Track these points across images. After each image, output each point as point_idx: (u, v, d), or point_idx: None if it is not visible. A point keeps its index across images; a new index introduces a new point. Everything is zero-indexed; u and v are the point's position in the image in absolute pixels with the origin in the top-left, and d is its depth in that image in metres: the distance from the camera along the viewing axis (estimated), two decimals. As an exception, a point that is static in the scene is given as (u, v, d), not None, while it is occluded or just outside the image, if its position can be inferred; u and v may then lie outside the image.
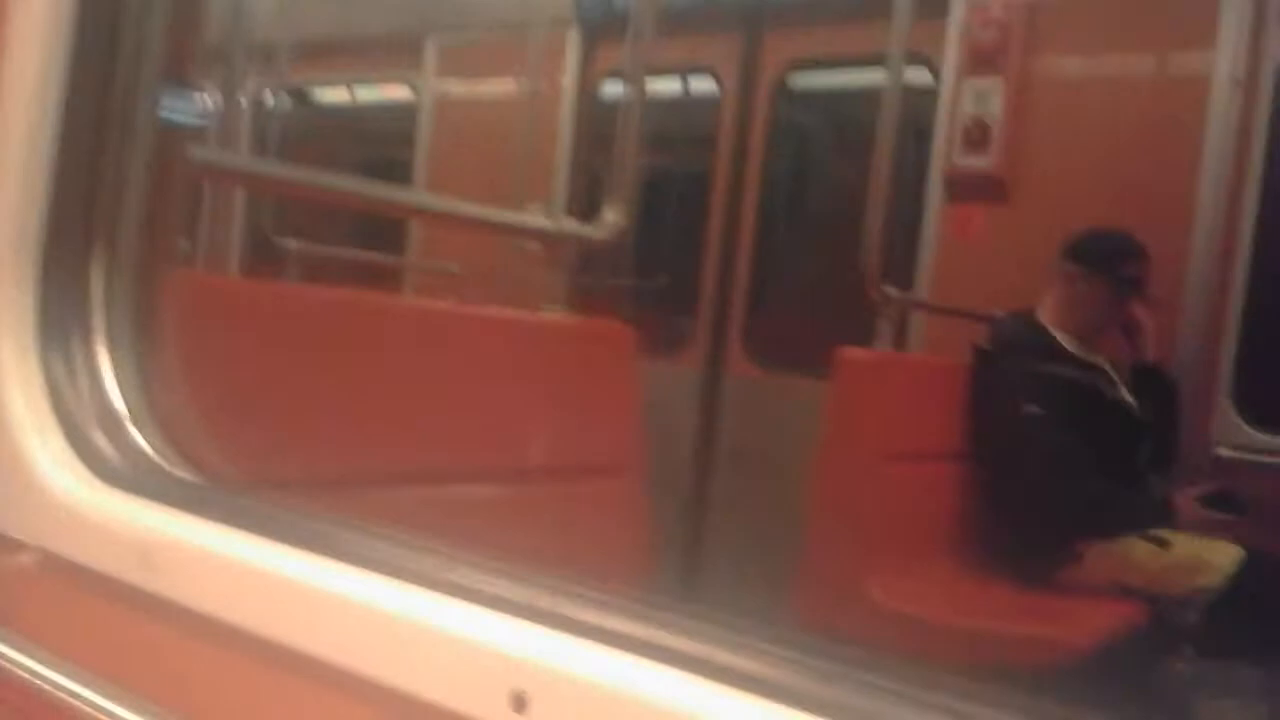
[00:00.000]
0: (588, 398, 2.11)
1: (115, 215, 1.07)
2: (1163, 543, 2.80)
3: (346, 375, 1.52)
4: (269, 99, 4.28)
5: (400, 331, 1.72)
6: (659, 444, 2.60)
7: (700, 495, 3.50)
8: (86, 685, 0.82)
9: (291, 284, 2.69)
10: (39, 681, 0.84)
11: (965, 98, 3.51)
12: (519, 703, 0.69)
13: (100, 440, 0.93)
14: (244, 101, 3.50)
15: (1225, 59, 3.19)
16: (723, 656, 0.66)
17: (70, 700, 0.83)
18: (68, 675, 0.84)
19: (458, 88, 4.79)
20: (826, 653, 0.66)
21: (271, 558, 0.81)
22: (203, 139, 2.56)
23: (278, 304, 1.57)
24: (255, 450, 1.19)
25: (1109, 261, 3.01)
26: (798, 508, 2.79)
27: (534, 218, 2.15)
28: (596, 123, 4.34)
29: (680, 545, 3.69)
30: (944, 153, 3.58)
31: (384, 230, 4.72)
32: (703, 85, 4.36)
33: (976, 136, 3.46)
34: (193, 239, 3.38)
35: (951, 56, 3.55)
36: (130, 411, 0.96)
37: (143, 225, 1.10)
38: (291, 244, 3.08)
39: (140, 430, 0.96)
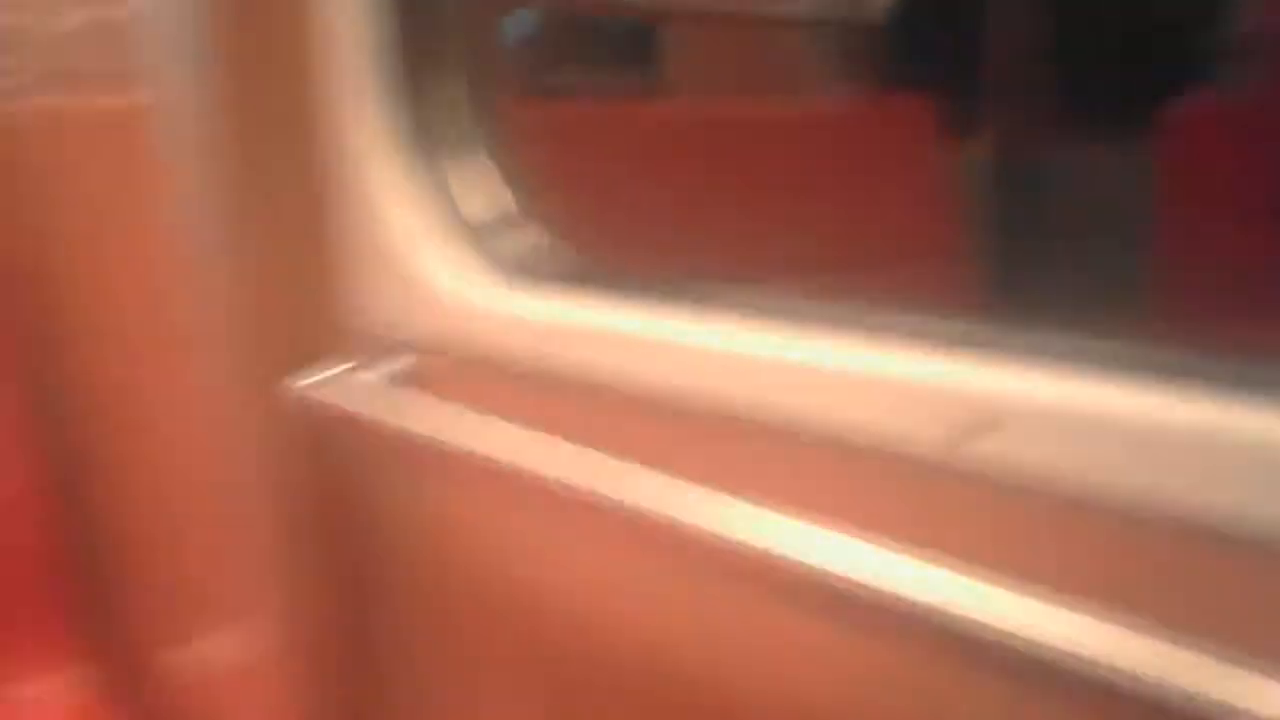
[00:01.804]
0: (898, 182, 2.02)
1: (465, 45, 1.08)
2: None
3: (685, 180, 1.53)
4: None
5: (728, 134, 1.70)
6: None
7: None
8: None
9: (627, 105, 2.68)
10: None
11: None
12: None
13: (496, 241, 0.97)
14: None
15: None
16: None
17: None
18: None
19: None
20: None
21: (684, 326, 0.81)
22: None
23: (617, 121, 1.58)
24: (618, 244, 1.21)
25: None
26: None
27: (800, 6, 2.07)
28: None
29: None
30: None
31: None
32: None
33: None
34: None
35: None
36: (517, 211, 1.00)
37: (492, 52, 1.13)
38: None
39: (528, 227, 0.99)
